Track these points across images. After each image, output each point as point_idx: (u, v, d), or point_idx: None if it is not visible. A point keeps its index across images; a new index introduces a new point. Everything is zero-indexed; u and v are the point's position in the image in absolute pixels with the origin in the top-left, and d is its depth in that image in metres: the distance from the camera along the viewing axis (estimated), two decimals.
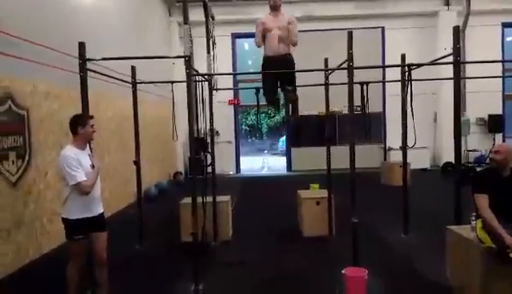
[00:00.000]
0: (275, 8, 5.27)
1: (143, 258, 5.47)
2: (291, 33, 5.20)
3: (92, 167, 3.64)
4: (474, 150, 13.13)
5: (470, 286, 3.72)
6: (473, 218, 3.81)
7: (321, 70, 5.65)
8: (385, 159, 12.97)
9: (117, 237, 4.62)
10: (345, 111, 5.09)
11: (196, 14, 10.26)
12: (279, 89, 5.48)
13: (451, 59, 4.69)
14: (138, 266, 5.18)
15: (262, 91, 5.34)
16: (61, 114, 6.00)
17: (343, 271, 3.81)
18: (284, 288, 4.42)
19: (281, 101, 5.83)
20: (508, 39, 14.13)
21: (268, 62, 5.29)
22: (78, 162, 3.47)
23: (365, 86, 6.08)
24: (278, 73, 5.18)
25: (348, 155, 4.28)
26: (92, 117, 3.80)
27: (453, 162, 4.88)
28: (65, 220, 3.59)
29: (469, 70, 12.11)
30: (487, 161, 4.08)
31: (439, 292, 4.11)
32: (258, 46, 5.38)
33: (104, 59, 4.49)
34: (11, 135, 5.00)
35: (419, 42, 13.38)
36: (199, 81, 5.57)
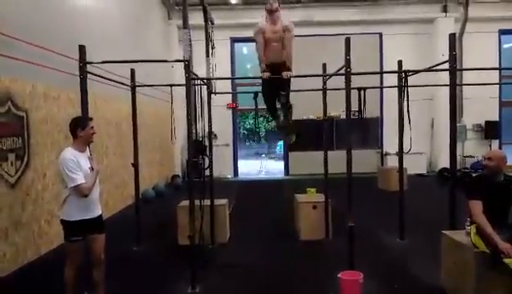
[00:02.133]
0: (271, 12, 4.94)
1: (140, 260, 5.49)
2: (286, 46, 4.93)
3: (91, 169, 3.66)
4: (471, 156, 13.17)
5: (464, 290, 3.76)
6: (468, 223, 3.85)
7: (319, 75, 5.68)
8: (382, 164, 13.03)
9: (114, 238, 4.63)
10: (343, 116, 5.11)
11: (196, 18, 10.33)
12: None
13: (447, 65, 4.74)
14: (135, 268, 5.20)
15: (260, 94, 5.31)
16: (60, 116, 6.03)
17: (338, 275, 3.84)
18: (280, 291, 4.44)
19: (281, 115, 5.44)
20: (505, 46, 14.25)
21: (267, 68, 5.10)
22: (77, 164, 3.49)
23: (362, 92, 6.13)
24: (275, 79, 5.00)
25: (345, 160, 4.32)
26: (91, 118, 3.83)
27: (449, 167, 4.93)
28: (63, 222, 3.60)
29: (467, 77, 12.18)
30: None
31: None
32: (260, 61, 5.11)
33: (103, 62, 4.54)
34: (10, 137, 5.01)
35: (417, 49, 13.46)
36: (197, 84, 5.60)
